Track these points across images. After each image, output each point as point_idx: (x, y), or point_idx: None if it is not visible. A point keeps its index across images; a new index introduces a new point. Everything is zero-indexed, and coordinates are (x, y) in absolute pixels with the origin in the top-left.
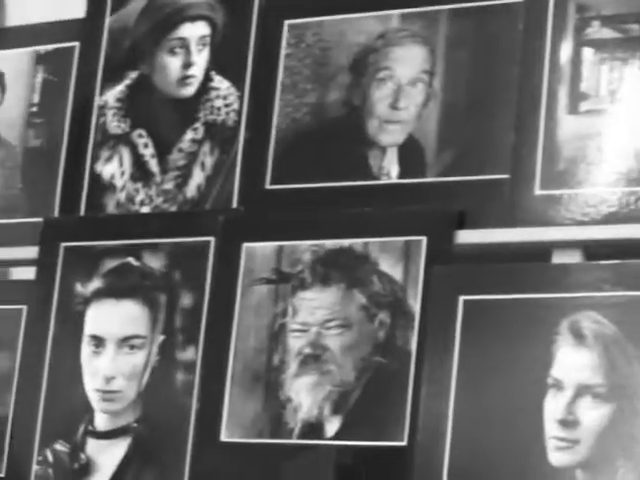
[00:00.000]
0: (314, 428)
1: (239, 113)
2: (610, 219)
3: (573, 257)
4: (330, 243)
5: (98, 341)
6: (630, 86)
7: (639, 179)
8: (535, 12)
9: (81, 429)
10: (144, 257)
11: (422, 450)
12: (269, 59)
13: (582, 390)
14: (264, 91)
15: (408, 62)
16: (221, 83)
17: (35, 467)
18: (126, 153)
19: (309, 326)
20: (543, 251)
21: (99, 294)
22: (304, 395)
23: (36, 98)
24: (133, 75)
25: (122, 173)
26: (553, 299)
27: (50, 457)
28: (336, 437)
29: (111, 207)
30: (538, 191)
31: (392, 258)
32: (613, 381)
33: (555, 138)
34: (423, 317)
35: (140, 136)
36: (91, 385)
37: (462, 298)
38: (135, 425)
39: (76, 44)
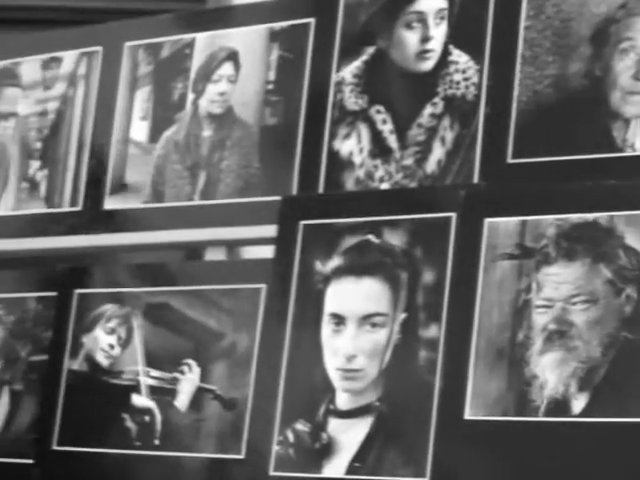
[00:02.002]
0: (560, 405)
1: (479, 87)
2: None
3: None
4: (574, 217)
5: (339, 319)
6: None
7: None
8: None
9: (322, 408)
10: (384, 234)
11: None
12: (508, 31)
13: None
14: (504, 64)
15: None
16: (460, 57)
17: (275, 447)
18: (364, 129)
19: (554, 302)
20: None
21: (339, 272)
22: (549, 372)
23: (272, 76)
24: (370, 50)
25: (360, 150)
26: None
27: (291, 437)
28: (583, 414)
29: (350, 184)
30: None
31: (639, 232)
32: None
33: None
34: None
35: (378, 112)
36: (332, 364)
37: None
38: (377, 404)
39: (311, 20)
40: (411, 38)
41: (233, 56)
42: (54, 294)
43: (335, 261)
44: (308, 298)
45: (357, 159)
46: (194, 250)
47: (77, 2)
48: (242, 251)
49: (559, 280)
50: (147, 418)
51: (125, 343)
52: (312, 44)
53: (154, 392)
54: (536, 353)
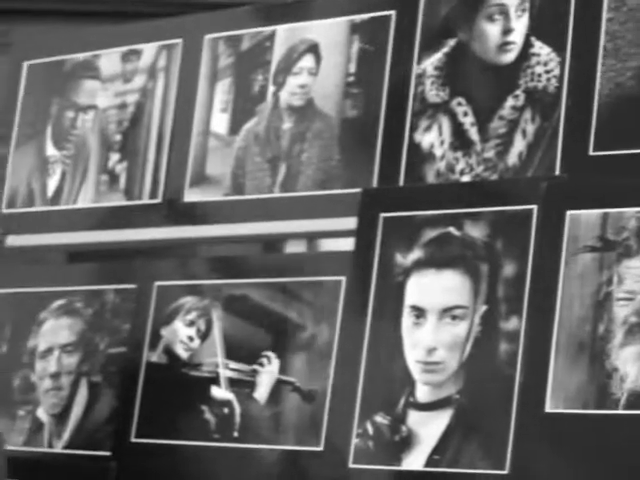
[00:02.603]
0: None
1: (560, 79)
2: None
3: None
4: None
5: (419, 312)
6: None
7: None
8: None
9: (402, 401)
10: (465, 227)
11: None
12: (590, 24)
13: None
14: (586, 56)
15: None
16: (541, 49)
17: (355, 440)
18: (445, 122)
19: (635, 294)
20: None
21: (419, 264)
22: (630, 365)
23: (352, 68)
24: (451, 43)
25: (441, 142)
26: None
27: (370, 429)
28: None
29: (431, 177)
30: None
31: None
32: None
33: None
34: None
35: (459, 104)
36: (412, 356)
37: None
38: (457, 396)
39: (392, 12)
40: (492, 30)
41: (314, 48)
42: (133, 286)
43: (415, 253)
44: (388, 291)
45: (438, 151)
46: (272, 243)
47: None
48: (322, 243)
49: None
50: (226, 410)
51: (204, 335)
52: (393, 36)
53: (233, 384)
54: (617, 346)
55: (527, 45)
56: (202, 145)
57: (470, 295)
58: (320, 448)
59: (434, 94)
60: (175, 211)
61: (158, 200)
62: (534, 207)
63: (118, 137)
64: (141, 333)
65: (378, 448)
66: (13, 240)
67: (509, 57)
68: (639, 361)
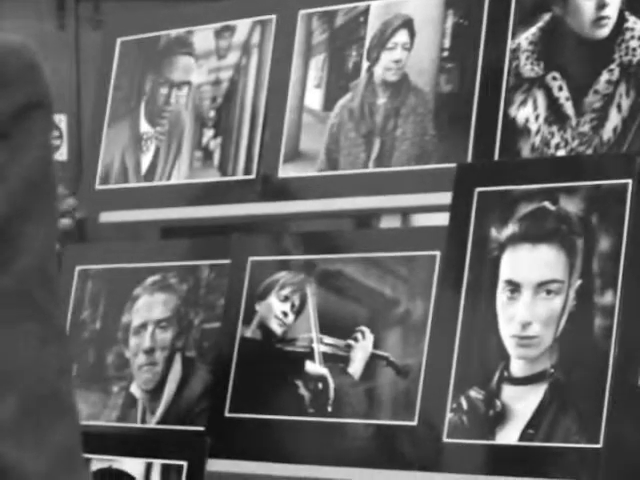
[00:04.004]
0: None
1: None
2: None
3: None
4: None
5: (514, 286)
6: None
7: None
8: None
9: (496, 376)
10: (560, 201)
11: None
12: None
13: None
14: None
15: None
16: (636, 24)
17: (449, 414)
18: (540, 96)
19: None
20: None
21: (514, 239)
22: None
23: (447, 43)
24: (546, 17)
25: (537, 117)
26: None
27: (464, 404)
28: None
29: (526, 151)
30: None
31: None
32: None
33: None
34: None
35: (554, 79)
36: (507, 331)
37: None
38: (552, 371)
39: None
40: (587, 5)
41: (408, 23)
42: (228, 262)
43: (510, 228)
44: (483, 265)
45: (533, 126)
46: (366, 218)
47: None
48: (417, 218)
49: None
50: (320, 385)
51: (299, 310)
52: (487, 11)
53: (327, 359)
54: None
55: (621, 20)
56: (296, 121)
57: (565, 270)
58: (414, 423)
59: (529, 69)
60: (269, 187)
61: (252, 176)
62: (629, 181)
63: (212, 113)
64: (235, 308)
65: (472, 423)
66: (107, 216)
67: (604, 32)
68: None
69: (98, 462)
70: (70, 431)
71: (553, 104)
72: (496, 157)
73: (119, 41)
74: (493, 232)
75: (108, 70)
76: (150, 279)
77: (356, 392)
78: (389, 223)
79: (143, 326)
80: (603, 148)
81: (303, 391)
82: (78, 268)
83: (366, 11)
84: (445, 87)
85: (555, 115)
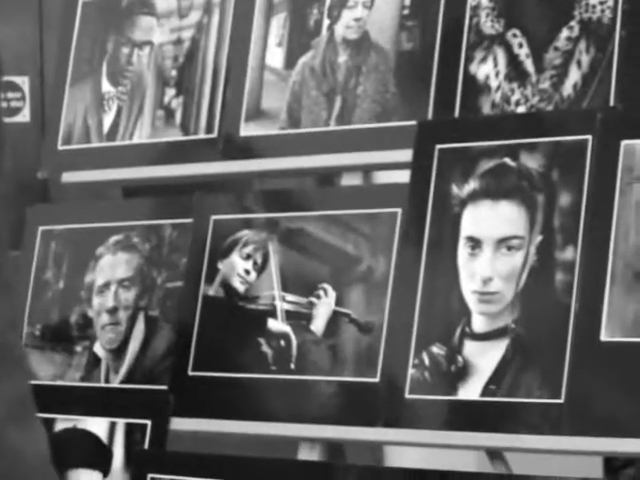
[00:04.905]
0: None
1: (614, 10)
2: None
3: None
4: None
5: (475, 243)
6: None
7: None
8: None
9: (458, 331)
10: (521, 157)
11: None
12: None
13: None
14: None
15: None
16: None
17: (411, 371)
18: (501, 53)
19: None
20: None
21: (475, 195)
22: None
23: (407, 1)
24: None
25: (497, 73)
26: None
27: (426, 360)
28: None
29: (486, 108)
30: None
31: None
32: None
33: None
34: None
35: (514, 36)
36: (468, 287)
37: None
38: (513, 326)
39: None
40: None
41: None
42: (190, 220)
43: (471, 185)
44: (444, 222)
45: (493, 83)
46: (328, 176)
47: None
48: (378, 176)
49: None
50: (283, 343)
51: (261, 268)
52: None
53: (290, 317)
54: None
55: None
56: (258, 79)
57: (526, 225)
58: (376, 379)
59: (489, 26)
60: (231, 145)
61: (214, 135)
62: (589, 137)
63: (174, 73)
64: (198, 267)
65: (434, 378)
66: (69, 177)
67: None
68: None
69: (62, 422)
70: (20, 383)
71: (513, 61)
72: (457, 114)
73: (81, 2)
74: (454, 189)
75: (70, 31)
76: (113, 238)
77: (319, 349)
78: (351, 181)
79: (106, 285)
80: (563, 104)
81: (266, 349)
82: (41, 228)
83: None
84: (406, 45)
85: (515, 72)
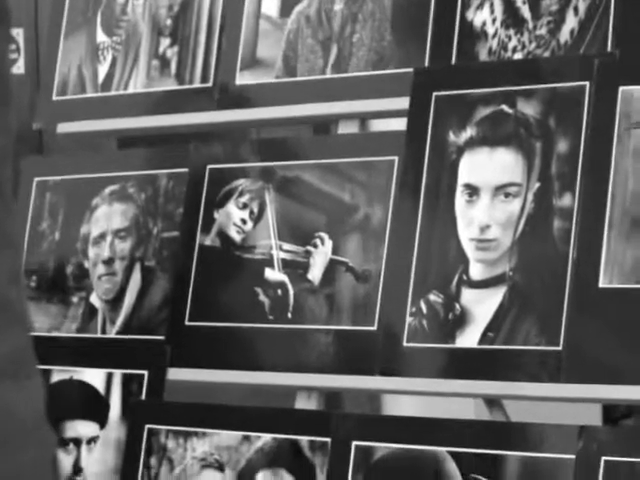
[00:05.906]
0: None
1: None
2: None
3: None
4: None
5: (472, 190)
6: None
7: None
8: None
9: (455, 279)
10: (518, 104)
11: None
12: None
13: None
14: None
15: None
16: None
17: (409, 319)
18: (497, 0)
19: None
20: None
21: (472, 143)
22: None
23: None
24: None
25: (493, 20)
26: None
27: (424, 308)
28: None
29: (483, 55)
30: None
31: None
32: None
33: None
34: None
35: None
36: (466, 235)
37: None
38: (511, 274)
39: None
40: None
41: None
42: (185, 170)
43: (468, 132)
44: (441, 169)
45: (490, 29)
46: (324, 124)
47: None
48: (375, 124)
49: None
50: (280, 292)
51: (257, 218)
52: None
53: (287, 265)
54: None
55: None
56: (253, 28)
57: (523, 172)
58: (374, 328)
59: None
60: (226, 94)
61: (209, 84)
62: (586, 84)
63: (169, 22)
64: (194, 217)
65: (432, 326)
66: (64, 127)
67: None
68: None
69: (59, 373)
70: (20, 339)
71: (510, 7)
72: (453, 61)
73: None
74: (451, 136)
75: None
76: (108, 189)
77: (316, 298)
78: (347, 129)
79: (102, 236)
80: (560, 51)
81: (263, 298)
82: (36, 180)
83: None
84: None
85: (512, 18)
